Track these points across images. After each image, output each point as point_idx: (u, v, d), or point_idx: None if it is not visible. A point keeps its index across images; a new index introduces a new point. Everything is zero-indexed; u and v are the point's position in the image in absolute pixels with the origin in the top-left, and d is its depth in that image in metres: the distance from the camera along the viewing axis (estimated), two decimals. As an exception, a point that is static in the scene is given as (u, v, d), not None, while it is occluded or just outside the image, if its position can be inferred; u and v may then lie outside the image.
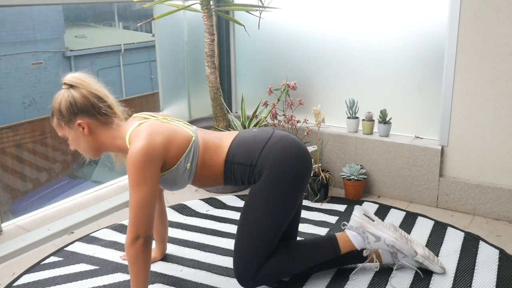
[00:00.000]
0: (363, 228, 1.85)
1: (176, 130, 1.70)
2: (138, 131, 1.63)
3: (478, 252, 2.11)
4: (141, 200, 1.55)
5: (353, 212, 1.90)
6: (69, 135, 1.69)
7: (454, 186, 2.55)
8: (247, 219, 1.75)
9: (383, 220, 2.43)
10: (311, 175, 1.80)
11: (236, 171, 1.75)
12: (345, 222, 1.95)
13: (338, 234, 1.88)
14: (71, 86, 1.64)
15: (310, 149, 2.71)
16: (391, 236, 1.84)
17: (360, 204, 2.62)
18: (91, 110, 1.63)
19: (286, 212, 1.75)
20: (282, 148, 1.74)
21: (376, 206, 2.60)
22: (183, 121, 1.83)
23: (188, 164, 1.68)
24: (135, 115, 1.80)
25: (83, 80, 1.65)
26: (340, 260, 1.96)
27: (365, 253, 1.88)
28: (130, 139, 1.63)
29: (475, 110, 2.45)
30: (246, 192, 2.83)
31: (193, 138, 1.71)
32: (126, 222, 2.46)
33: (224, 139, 1.79)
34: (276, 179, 1.71)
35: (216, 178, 1.77)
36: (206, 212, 2.59)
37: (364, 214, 1.87)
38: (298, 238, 2.14)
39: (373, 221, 1.86)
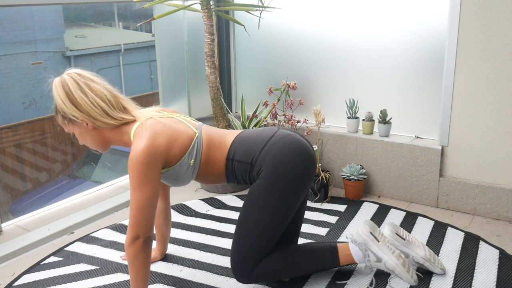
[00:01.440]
0: (366, 245, 1.81)
1: (179, 129, 1.69)
2: (141, 130, 1.62)
3: (478, 252, 2.11)
4: (142, 201, 1.55)
5: (359, 227, 1.85)
6: (75, 131, 1.68)
7: (454, 186, 2.55)
8: (244, 219, 1.75)
9: (383, 220, 2.43)
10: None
11: (236, 169, 1.75)
12: (351, 234, 1.92)
13: (340, 245, 1.86)
14: None
15: (310, 149, 2.71)
16: (393, 261, 1.79)
17: (360, 205, 2.62)
18: None
19: (284, 214, 1.73)
20: (283, 147, 1.72)
21: (376, 206, 2.60)
22: (189, 117, 1.82)
23: (192, 161, 1.68)
24: (143, 109, 1.77)
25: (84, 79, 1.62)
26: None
27: (363, 268, 1.86)
28: (134, 136, 1.62)
29: (475, 110, 2.45)
30: (246, 192, 2.83)
31: (196, 135, 1.71)
32: (126, 222, 2.46)
33: (227, 136, 1.79)
34: (275, 180, 1.69)
35: (219, 174, 1.78)
36: (206, 212, 2.59)
37: (370, 233, 1.83)
38: (301, 241, 2.15)
39: (378, 241, 1.82)
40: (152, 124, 1.64)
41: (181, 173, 1.69)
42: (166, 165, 1.64)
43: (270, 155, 1.70)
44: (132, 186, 1.56)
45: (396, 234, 1.93)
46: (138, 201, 1.55)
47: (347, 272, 1.97)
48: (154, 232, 2.13)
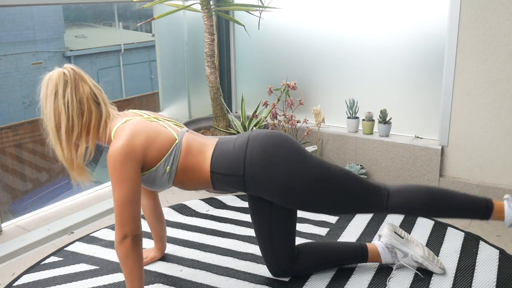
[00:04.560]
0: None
1: (160, 131, 1.67)
2: (122, 129, 1.61)
3: (478, 252, 2.11)
4: (122, 198, 1.55)
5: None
6: None
7: (454, 186, 2.55)
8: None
9: (383, 220, 2.43)
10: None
11: (223, 181, 1.70)
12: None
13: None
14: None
15: (310, 149, 2.71)
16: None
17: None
18: None
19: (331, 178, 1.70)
20: (261, 146, 1.68)
21: (376, 206, 2.60)
22: (174, 121, 1.79)
23: (168, 167, 1.65)
24: (130, 110, 1.78)
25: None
26: (341, 260, 1.96)
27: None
28: (114, 135, 1.62)
29: (475, 110, 2.45)
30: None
31: (176, 141, 1.67)
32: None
33: (207, 147, 1.73)
34: (281, 184, 1.66)
35: (201, 182, 1.73)
36: (206, 212, 2.59)
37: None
38: (302, 241, 2.16)
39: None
40: (134, 124, 1.63)
41: (157, 178, 1.66)
42: (144, 168, 1.63)
43: (255, 161, 1.66)
44: (112, 185, 1.56)
45: (395, 232, 1.96)
46: (119, 198, 1.55)
47: (347, 271, 1.97)
48: (150, 231, 2.13)
